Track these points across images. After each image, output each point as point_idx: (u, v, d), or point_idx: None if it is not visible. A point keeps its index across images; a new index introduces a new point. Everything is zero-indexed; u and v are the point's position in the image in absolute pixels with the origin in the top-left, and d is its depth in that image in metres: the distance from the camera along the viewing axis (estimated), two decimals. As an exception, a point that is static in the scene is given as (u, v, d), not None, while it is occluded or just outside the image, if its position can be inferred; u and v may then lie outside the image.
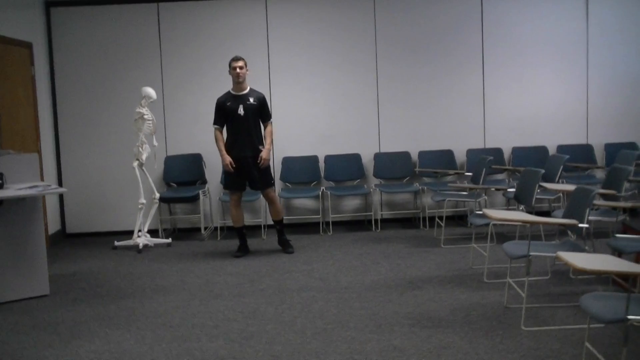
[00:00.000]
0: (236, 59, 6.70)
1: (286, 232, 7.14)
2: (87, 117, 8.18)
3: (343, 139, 8.30)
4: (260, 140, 6.75)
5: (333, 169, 8.25)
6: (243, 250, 6.93)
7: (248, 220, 8.12)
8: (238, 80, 6.67)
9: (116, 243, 7.51)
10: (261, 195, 7.68)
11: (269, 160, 6.76)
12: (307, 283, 5.78)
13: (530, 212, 5.54)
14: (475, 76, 8.28)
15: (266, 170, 6.79)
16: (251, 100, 6.69)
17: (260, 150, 6.69)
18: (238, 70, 6.64)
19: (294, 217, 8.17)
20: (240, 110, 6.65)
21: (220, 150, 6.73)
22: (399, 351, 4.16)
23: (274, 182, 7.07)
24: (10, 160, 5.76)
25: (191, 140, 8.23)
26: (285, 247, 6.94)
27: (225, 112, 6.71)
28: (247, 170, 6.71)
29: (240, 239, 6.95)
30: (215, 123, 6.79)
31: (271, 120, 6.88)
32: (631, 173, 5.61)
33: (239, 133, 6.71)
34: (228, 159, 6.67)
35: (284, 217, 7.26)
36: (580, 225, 4.51)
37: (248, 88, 6.77)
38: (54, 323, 4.96)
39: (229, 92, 6.79)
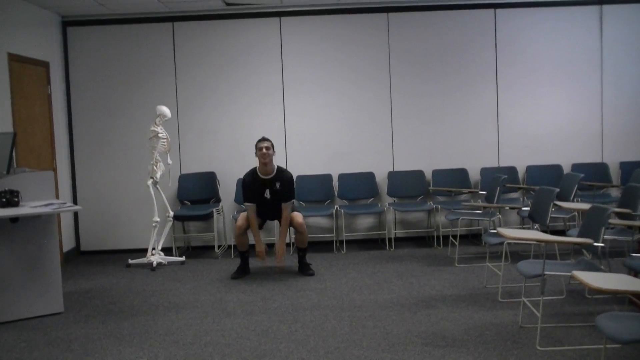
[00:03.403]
0: (263, 139, 6.68)
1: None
2: (102, 135, 8.25)
3: (357, 157, 8.30)
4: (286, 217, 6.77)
5: (347, 188, 8.25)
6: (242, 272, 6.85)
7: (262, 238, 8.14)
8: (264, 161, 6.61)
9: (130, 261, 7.53)
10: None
11: (284, 250, 6.82)
12: (320, 301, 5.76)
13: (545, 231, 5.51)
14: (489, 94, 8.29)
15: (289, 188, 6.78)
16: (277, 185, 6.68)
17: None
18: (265, 150, 6.57)
19: (308, 235, 8.14)
20: (267, 195, 6.69)
21: (254, 234, 6.74)
22: (412, 371, 4.13)
23: (294, 202, 6.99)
24: (25, 178, 5.80)
25: (205, 158, 8.27)
26: (305, 270, 6.86)
27: (252, 193, 6.71)
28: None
29: (242, 261, 6.89)
30: (246, 200, 6.73)
31: (292, 201, 6.81)
32: (647, 192, 5.57)
33: (264, 211, 6.83)
34: (262, 247, 6.75)
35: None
36: (596, 244, 4.48)
37: (275, 170, 6.72)
38: (68, 340, 4.97)
39: (255, 173, 6.72)
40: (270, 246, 8.03)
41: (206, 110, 8.26)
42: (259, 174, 6.70)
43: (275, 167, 6.76)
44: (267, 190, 6.68)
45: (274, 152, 6.75)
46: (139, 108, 8.17)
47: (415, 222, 8.43)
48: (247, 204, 6.73)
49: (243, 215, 6.78)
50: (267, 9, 8.15)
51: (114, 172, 8.27)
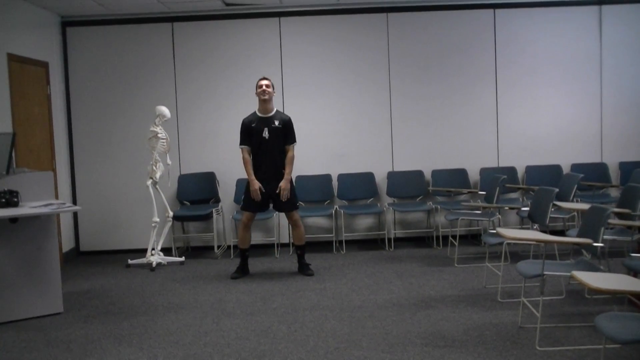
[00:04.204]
0: (263, 78, 6.69)
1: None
2: (101, 135, 8.25)
3: (356, 157, 8.30)
4: (283, 165, 6.66)
5: (346, 188, 8.25)
6: (242, 272, 6.83)
7: (260, 239, 8.16)
8: (264, 98, 6.58)
9: (129, 261, 7.53)
10: (274, 214, 7.70)
11: (288, 190, 6.63)
12: (319, 302, 5.76)
13: (544, 231, 5.51)
14: (488, 94, 8.29)
15: (290, 192, 6.70)
16: (276, 123, 6.63)
17: (283, 175, 6.64)
18: (265, 87, 6.58)
19: (307, 235, 8.08)
20: (265, 133, 6.60)
21: (249, 174, 6.63)
22: (412, 371, 4.13)
23: (298, 205, 6.99)
24: (25, 178, 5.80)
25: (205, 158, 8.27)
26: (305, 270, 6.84)
27: (250, 134, 6.65)
28: (269, 194, 6.66)
29: (242, 260, 6.87)
30: (242, 143, 6.69)
31: (294, 144, 6.74)
32: (646, 192, 5.56)
33: (263, 156, 6.64)
34: (257, 184, 6.58)
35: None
36: (595, 244, 4.48)
37: (274, 110, 6.72)
38: (67, 341, 4.97)
39: (254, 113, 6.72)
40: (270, 246, 8.03)
41: (206, 111, 8.26)
42: (258, 113, 6.69)
43: (275, 108, 6.76)
44: (266, 128, 6.60)
45: (274, 91, 6.76)
46: (139, 108, 8.17)
47: (414, 222, 8.43)
48: (242, 146, 6.69)
49: (245, 215, 6.77)
50: (267, 9, 8.15)
51: (113, 173, 8.27)
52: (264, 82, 6.63)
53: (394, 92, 8.27)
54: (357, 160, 8.30)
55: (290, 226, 7.02)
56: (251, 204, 6.70)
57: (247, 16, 8.18)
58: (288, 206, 6.73)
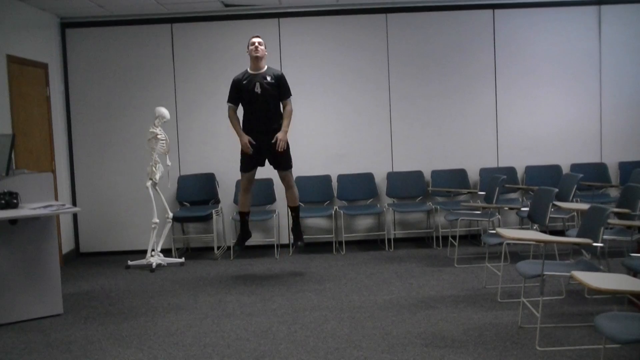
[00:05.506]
0: (256, 35, 6.51)
1: (299, 251, 6.99)
2: (101, 136, 8.24)
3: (356, 158, 8.30)
4: (278, 120, 6.42)
5: (346, 188, 8.24)
6: (243, 239, 6.72)
7: (260, 239, 8.15)
8: (256, 55, 6.39)
9: (129, 262, 7.52)
10: (274, 215, 7.70)
11: (285, 141, 6.41)
12: (319, 302, 5.76)
13: (544, 231, 5.51)
14: (487, 94, 8.29)
15: (285, 152, 6.45)
16: (268, 78, 6.41)
17: (278, 130, 6.39)
18: (257, 44, 6.39)
19: (307, 236, 8.10)
20: (257, 89, 6.37)
21: (236, 129, 6.44)
22: (412, 371, 4.13)
23: (292, 165, 6.66)
24: (24, 180, 5.80)
25: (204, 159, 8.27)
26: (297, 238, 6.73)
27: (241, 90, 6.44)
28: (263, 151, 6.45)
29: (242, 225, 6.74)
30: (229, 101, 6.51)
31: (291, 97, 6.53)
32: (646, 192, 5.56)
33: (255, 112, 6.42)
34: (246, 137, 6.38)
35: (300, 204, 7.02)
36: (595, 244, 4.48)
37: (266, 67, 6.50)
38: (67, 342, 4.97)
39: (245, 71, 6.52)
40: (270, 247, 8.03)
41: (205, 112, 8.25)
42: (249, 70, 6.49)
43: (267, 65, 6.54)
44: (258, 83, 6.38)
45: (266, 51, 6.55)
46: (138, 109, 8.17)
47: (414, 222, 8.43)
48: (229, 104, 6.51)
49: (244, 177, 6.57)
50: (266, 10, 8.16)
51: (113, 174, 8.27)
52: (257, 39, 6.45)
53: (393, 93, 8.27)
54: (356, 161, 8.30)
55: (284, 189, 6.74)
56: (247, 163, 6.50)
57: (246, 17, 8.18)
58: (283, 164, 6.50)
